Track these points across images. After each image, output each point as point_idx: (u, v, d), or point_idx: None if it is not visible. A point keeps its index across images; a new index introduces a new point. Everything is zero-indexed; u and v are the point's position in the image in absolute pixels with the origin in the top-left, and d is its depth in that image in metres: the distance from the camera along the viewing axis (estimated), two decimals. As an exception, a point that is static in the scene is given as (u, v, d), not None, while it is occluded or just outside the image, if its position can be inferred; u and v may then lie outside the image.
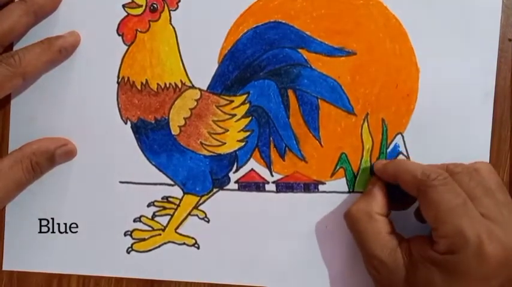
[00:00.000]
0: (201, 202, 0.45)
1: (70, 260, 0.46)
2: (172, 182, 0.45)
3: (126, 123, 0.45)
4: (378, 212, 0.40)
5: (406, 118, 0.45)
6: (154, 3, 0.45)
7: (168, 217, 0.45)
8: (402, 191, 0.40)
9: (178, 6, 0.45)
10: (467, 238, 0.35)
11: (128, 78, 0.45)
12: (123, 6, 0.45)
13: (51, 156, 0.44)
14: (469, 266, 0.35)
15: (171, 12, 0.45)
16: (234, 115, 0.45)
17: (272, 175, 0.45)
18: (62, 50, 0.44)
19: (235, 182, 0.45)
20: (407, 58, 0.44)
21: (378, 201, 0.41)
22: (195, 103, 0.45)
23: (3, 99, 0.44)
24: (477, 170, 0.39)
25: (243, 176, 0.45)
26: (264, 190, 0.45)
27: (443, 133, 0.44)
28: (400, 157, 0.44)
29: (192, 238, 0.45)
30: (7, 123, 0.45)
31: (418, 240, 0.39)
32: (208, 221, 0.45)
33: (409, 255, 0.38)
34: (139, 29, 0.45)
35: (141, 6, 0.45)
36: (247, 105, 0.45)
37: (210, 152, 0.45)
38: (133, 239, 0.45)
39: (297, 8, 0.45)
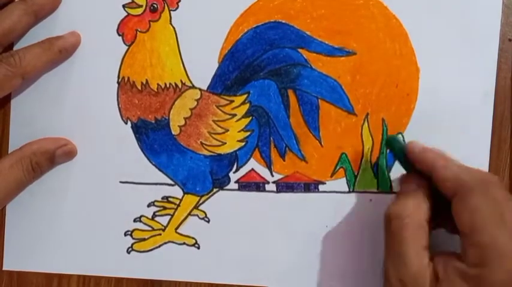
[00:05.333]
0: (201, 202, 0.45)
1: (70, 260, 0.46)
2: (172, 182, 0.45)
3: (126, 123, 0.45)
4: (425, 219, 0.38)
5: (406, 118, 0.45)
6: (155, 3, 0.45)
7: (168, 216, 0.45)
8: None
9: (178, 6, 0.45)
10: (502, 250, 0.34)
11: (128, 78, 0.45)
12: (123, 6, 0.45)
13: (51, 156, 0.44)
14: (502, 281, 0.33)
15: (171, 12, 0.45)
16: (234, 115, 0.45)
17: (272, 175, 0.45)
18: (62, 50, 0.44)
19: (236, 182, 0.45)
20: (407, 58, 0.44)
21: (426, 207, 0.38)
22: (195, 103, 0.45)
23: (3, 99, 0.44)
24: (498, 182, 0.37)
25: (243, 176, 0.45)
26: (264, 190, 0.45)
27: (443, 133, 0.44)
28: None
29: (192, 238, 0.45)
30: (7, 124, 0.45)
31: (443, 256, 0.37)
32: (208, 221, 0.45)
33: (435, 273, 0.36)
34: (139, 29, 0.45)
35: (141, 6, 0.45)
36: (247, 105, 0.45)
37: (210, 152, 0.45)
38: (133, 239, 0.45)
39: (297, 8, 0.45)
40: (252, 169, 0.45)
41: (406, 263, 0.36)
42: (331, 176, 0.45)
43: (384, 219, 0.39)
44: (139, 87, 0.45)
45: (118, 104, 0.45)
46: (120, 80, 0.45)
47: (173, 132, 0.45)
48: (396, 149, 0.42)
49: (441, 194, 0.38)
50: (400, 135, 0.44)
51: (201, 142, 0.45)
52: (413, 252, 0.36)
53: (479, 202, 0.35)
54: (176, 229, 0.45)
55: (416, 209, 0.38)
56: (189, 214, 0.45)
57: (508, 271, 0.33)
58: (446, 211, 0.38)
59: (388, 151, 0.44)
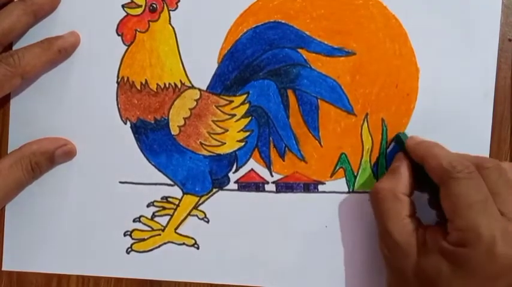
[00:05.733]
0: (200, 202, 0.45)
1: (69, 261, 0.46)
2: (171, 182, 0.45)
3: (125, 123, 0.45)
4: (403, 192, 0.40)
5: (406, 118, 0.45)
6: (154, 3, 0.45)
7: (168, 217, 0.45)
8: (424, 173, 0.40)
9: (177, 6, 0.45)
10: (481, 234, 0.35)
11: (128, 78, 0.45)
12: (123, 6, 0.45)
13: (51, 156, 0.44)
14: (478, 262, 0.35)
15: (170, 12, 0.45)
16: (234, 115, 0.45)
17: (272, 175, 0.45)
18: (61, 50, 0.44)
19: (235, 182, 0.45)
20: (407, 58, 0.44)
21: (403, 180, 0.41)
22: (195, 103, 0.45)
23: (2, 99, 0.44)
24: (505, 169, 0.39)
25: (243, 176, 0.45)
26: (263, 190, 0.45)
27: (443, 133, 0.44)
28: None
29: (192, 238, 0.45)
30: (6, 123, 0.45)
31: (434, 229, 0.39)
32: (207, 222, 0.45)
33: (423, 242, 0.38)
34: (138, 29, 0.45)
35: (141, 6, 0.45)
36: (246, 106, 0.45)
37: (210, 152, 0.45)
38: (132, 239, 0.45)
39: (296, 8, 0.44)
40: (252, 169, 0.45)
41: (390, 233, 0.39)
42: (331, 176, 0.45)
43: (369, 197, 0.42)
44: (139, 88, 0.45)
45: (117, 104, 0.45)
46: (119, 80, 0.45)
47: (172, 133, 0.45)
48: (400, 146, 0.43)
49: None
50: (404, 133, 0.44)
51: (200, 142, 0.45)
52: (394, 222, 0.39)
53: (459, 188, 0.37)
54: (176, 229, 0.45)
55: (393, 183, 0.40)
56: (189, 214, 0.45)
57: (486, 251, 0.35)
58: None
59: (394, 146, 0.44)
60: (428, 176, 0.40)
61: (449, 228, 0.37)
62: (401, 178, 0.41)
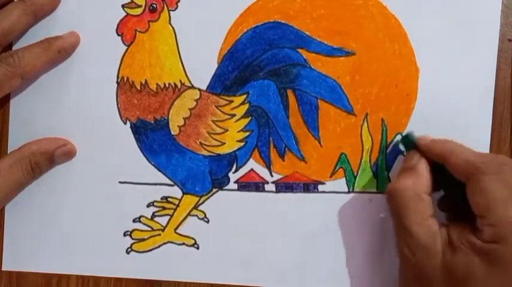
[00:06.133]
0: (200, 202, 0.45)
1: (69, 261, 0.46)
2: (171, 182, 0.45)
3: (125, 123, 0.45)
4: (425, 191, 0.39)
5: (405, 118, 0.45)
6: (154, 3, 0.45)
7: (168, 217, 0.45)
8: (440, 172, 0.40)
9: (177, 6, 0.45)
10: None
11: (128, 78, 0.45)
12: (123, 6, 0.45)
13: (51, 156, 0.44)
14: None
15: (170, 12, 0.45)
16: (234, 115, 0.45)
17: (272, 175, 0.45)
18: (61, 50, 0.44)
19: (235, 182, 0.45)
20: (407, 58, 0.44)
21: (425, 179, 0.40)
22: (195, 103, 0.45)
23: (2, 99, 0.44)
24: None
25: (243, 176, 0.45)
26: (263, 190, 0.45)
27: (443, 133, 0.44)
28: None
29: (192, 238, 0.45)
30: (6, 124, 0.45)
31: (458, 226, 0.38)
32: (207, 221, 0.45)
33: (449, 240, 0.37)
34: (138, 29, 0.45)
35: (141, 6, 0.45)
36: (246, 106, 0.45)
37: (210, 152, 0.45)
38: (132, 239, 0.45)
39: (296, 8, 0.44)
40: (252, 169, 0.45)
41: (412, 234, 0.38)
42: (331, 177, 0.45)
43: (386, 196, 0.41)
44: (139, 88, 0.45)
45: (117, 104, 0.45)
46: (119, 80, 0.45)
47: (172, 133, 0.45)
48: (409, 146, 0.42)
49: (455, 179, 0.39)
50: (412, 132, 0.44)
51: (200, 142, 0.45)
52: (417, 223, 0.38)
53: (491, 183, 0.36)
54: (175, 229, 0.45)
55: (414, 182, 0.39)
56: (189, 214, 0.45)
57: None
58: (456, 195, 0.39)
59: (393, 147, 0.44)
60: (442, 176, 0.40)
61: (481, 224, 0.36)
62: (421, 176, 0.40)
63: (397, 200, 0.39)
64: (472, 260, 0.36)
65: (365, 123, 0.45)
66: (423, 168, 0.40)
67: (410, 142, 0.42)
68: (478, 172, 0.37)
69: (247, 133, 0.45)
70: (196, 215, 0.45)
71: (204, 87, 0.45)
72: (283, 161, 0.45)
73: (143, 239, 0.45)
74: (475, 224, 0.37)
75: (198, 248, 0.45)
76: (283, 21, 0.45)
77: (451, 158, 0.39)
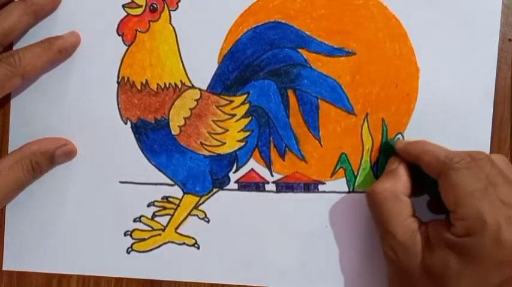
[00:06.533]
0: (201, 202, 0.45)
1: (70, 260, 0.46)
2: (172, 182, 0.45)
3: (126, 123, 0.45)
4: (403, 193, 0.40)
5: (406, 118, 0.45)
6: (154, 3, 0.45)
7: (168, 217, 0.45)
8: (419, 175, 0.40)
9: (178, 6, 0.45)
10: (486, 222, 0.35)
11: (128, 78, 0.45)
12: (123, 6, 0.45)
13: (51, 156, 0.44)
14: (485, 250, 0.35)
15: (170, 12, 0.45)
16: (234, 115, 0.45)
17: (272, 175, 0.45)
18: (61, 50, 0.44)
19: (235, 182, 0.45)
20: (407, 58, 0.44)
21: (403, 181, 0.41)
22: (195, 103, 0.45)
23: (2, 99, 0.44)
24: (495, 160, 0.39)
25: (243, 176, 0.45)
26: (264, 190, 0.45)
27: (443, 133, 0.44)
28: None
29: (192, 238, 0.45)
30: (7, 123, 0.45)
31: (435, 223, 0.39)
32: (208, 221, 0.45)
33: (427, 239, 0.38)
34: (139, 29, 0.45)
35: (141, 6, 0.45)
36: (247, 105, 0.45)
37: (210, 152, 0.45)
38: (133, 239, 0.45)
39: (296, 8, 0.45)
40: (252, 169, 0.45)
41: (393, 234, 0.39)
42: (331, 176, 0.45)
43: (366, 199, 0.42)
44: (139, 87, 0.45)
45: (118, 104, 0.45)
46: (119, 80, 0.45)
47: (173, 133, 0.45)
48: (389, 153, 0.43)
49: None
50: (392, 139, 0.44)
51: (200, 142, 0.45)
52: (397, 223, 0.39)
53: (461, 178, 0.37)
54: (176, 229, 0.45)
55: (392, 184, 0.40)
56: (189, 214, 0.45)
57: (492, 238, 0.35)
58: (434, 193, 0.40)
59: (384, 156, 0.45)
60: (423, 179, 0.40)
61: (453, 219, 0.37)
62: (400, 178, 0.41)
63: (376, 201, 0.40)
64: (447, 256, 0.37)
65: (365, 123, 0.45)
66: (402, 170, 0.41)
67: (390, 148, 0.43)
68: (447, 167, 0.38)
69: (248, 133, 0.45)
70: (197, 215, 0.45)
71: (204, 87, 0.45)
72: (284, 161, 0.45)
73: (144, 239, 0.45)
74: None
75: (198, 248, 0.45)
76: (283, 21, 0.45)
77: (424, 158, 0.40)
